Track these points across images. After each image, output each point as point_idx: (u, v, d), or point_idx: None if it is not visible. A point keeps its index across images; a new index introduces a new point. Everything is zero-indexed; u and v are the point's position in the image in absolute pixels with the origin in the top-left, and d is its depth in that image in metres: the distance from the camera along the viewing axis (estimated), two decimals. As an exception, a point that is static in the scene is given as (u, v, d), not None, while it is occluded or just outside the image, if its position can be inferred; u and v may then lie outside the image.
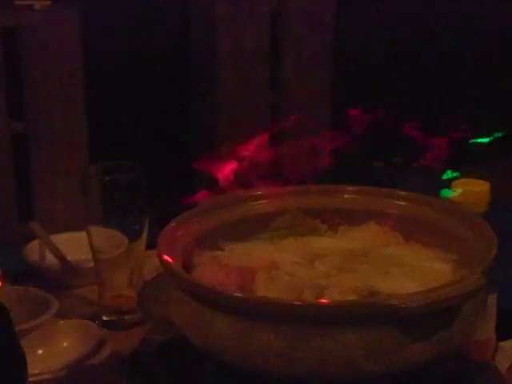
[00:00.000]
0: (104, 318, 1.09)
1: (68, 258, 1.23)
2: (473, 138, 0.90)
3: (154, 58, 3.13)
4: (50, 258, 1.25)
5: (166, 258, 0.80)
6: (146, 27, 3.08)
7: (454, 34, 3.50)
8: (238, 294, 0.77)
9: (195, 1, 3.10)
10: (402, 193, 0.93)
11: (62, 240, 1.27)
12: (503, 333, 0.97)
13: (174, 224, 0.87)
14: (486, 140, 0.91)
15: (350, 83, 3.20)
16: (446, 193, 0.89)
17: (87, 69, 2.67)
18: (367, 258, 0.87)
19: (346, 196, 0.96)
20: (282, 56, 3.11)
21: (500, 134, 0.92)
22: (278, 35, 3.08)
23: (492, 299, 0.91)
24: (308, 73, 3.10)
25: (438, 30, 3.50)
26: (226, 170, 0.89)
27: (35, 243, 1.27)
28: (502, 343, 0.97)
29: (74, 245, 1.24)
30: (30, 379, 0.79)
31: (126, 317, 1.09)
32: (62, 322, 1.04)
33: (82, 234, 1.11)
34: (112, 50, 3.03)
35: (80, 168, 2.52)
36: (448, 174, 0.89)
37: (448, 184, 0.94)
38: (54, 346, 1.00)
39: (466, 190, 0.91)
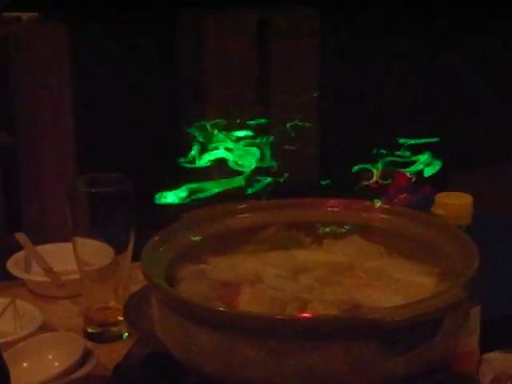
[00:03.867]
0: (89, 330, 1.09)
1: (54, 270, 1.23)
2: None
3: (141, 70, 3.13)
4: (35, 269, 1.25)
5: (150, 272, 0.80)
6: (133, 37, 3.09)
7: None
8: (222, 309, 0.78)
9: (183, 10, 3.11)
10: (386, 206, 0.94)
11: (48, 251, 1.27)
12: (487, 345, 0.97)
13: (157, 237, 0.87)
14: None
15: (338, 92, 3.21)
16: None
17: (75, 79, 2.67)
18: (351, 272, 0.87)
19: (330, 209, 0.96)
20: (271, 66, 3.11)
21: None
22: (266, 45, 3.09)
23: (475, 312, 0.92)
24: (296, 83, 3.11)
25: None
26: None
27: (21, 254, 1.27)
28: (485, 355, 0.97)
29: (60, 256, 1.24)
30: (14, 393, 0.79)
31: (112, 329, 1.09)
32: (47, 334, 1.04)
33: (68, 246, 1.11)
34: (100, 61, 3.03)
35: (67, 180, 2.52)
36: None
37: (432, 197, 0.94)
38: (38, 359, 0.99)
39: (448, 204, 0.92)
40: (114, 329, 1.09)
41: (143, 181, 1.02)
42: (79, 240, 1.08)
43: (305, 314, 0.78)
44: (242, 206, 0.95)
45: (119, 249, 1.07)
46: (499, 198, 2.60)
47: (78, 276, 1.12)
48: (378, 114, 3.32)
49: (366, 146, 1.01)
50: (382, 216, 0.93)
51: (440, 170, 0.94)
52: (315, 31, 3.15)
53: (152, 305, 0.83)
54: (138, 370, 0.91)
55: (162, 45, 3.15)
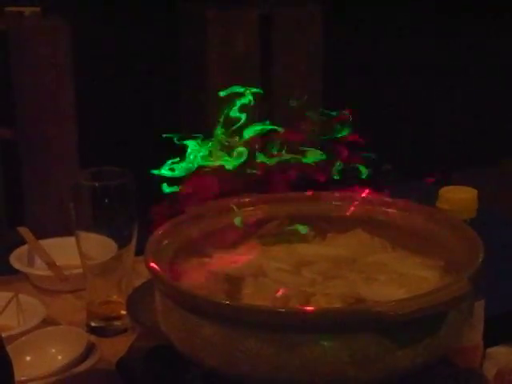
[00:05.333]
0: (92, 324, 1.09)
1: (57, 264, 1.23)
2: None
3: (143, 65, 3.13)
4: (38, 263, 1.25)
5: (153, 265, 0.80)
6: (134, 33, 3.08)
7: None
8: (225, 302, 0.77)
9: (184, 5, 3.10)
10: (389, 200, 0.94)
11: (51, 245, 1.27)
12: (491, 339, 0.97)
13: (161, 231, 0.87)
14: None
15: (341, 86, 3.21)
16: None
17: (77, 75, 2.67)
18: (354, 265, 0.87)
19: (333, 203, 0.96)
20: (272, 62, 3.11)
21: None
22: (268, 40, 3.09)
23: (479, 306, 0.92)
24: (298, 78, 3.11)
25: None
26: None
27: (24, 248, 1.27)
28: (489, 350, 0.97)
29: (62, 250, 1.24)
30: (18, 386, 0.79)
31: (115, 323, 1.09)
32: (50, 328, 1.04)
33: (71, 240, 1.11)
34: (102, 56, 3.03)
35: (69, 174, 2.52)
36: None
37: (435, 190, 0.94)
38: (42, 353, 0.99)
39: (453, 197, 0.92)
40: (117, 323, 1.09)
41: (145, 175, 1.02)
42: (82, 234, 1.08)
43: (308, 308, 0.78)
44: (245, 200, 0.95)
45: (122, 243, 1.07)
46: (503, 192, 2.60)
47: (80, 270, 1.12)
48: (378, 111, 3.31)
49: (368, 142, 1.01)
50: (386, 209, 0.93)
51: (445, 165, 0.94)
52: (317, 27, 3.14)
53: (155, 298, 0.83)
54: (142, 364, 0.91)
55: (164, 39, 3.14)
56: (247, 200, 0.95)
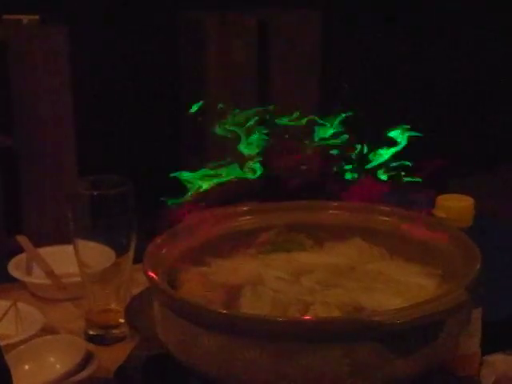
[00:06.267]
0: (91, 333, 1.09)
1: (55, 272, 1.23)
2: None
3: (142, 73, 3.13)
4: (37, 271, 1.25)
5: (152, 274, 0.80)
6: (133, 42, 3.09)
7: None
8: (224, 311, 0.78)
9: (183, 14, 3.11)
10: (387, 208, 0.94)
11: (50, 253, 1.27)
12: (488, 347, 0.97)
13: (159, 240, 0.87)
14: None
15: (340, 91, 3.21)
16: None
17: (76, 83, 2.67)
18: (352, 274, 0.88)
19: (331, 211, 0.96)
20: (271, 67, 3.11)
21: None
22: (267, 46, 3.09)
23: (476, 313, 0.92)
24: (297, 84, 3.11)
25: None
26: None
27: (22, 257, 1.27)
28: (486, 357, 0.97)
29: (61, 258, 1.24)
30: (16, 395, 0.79)
31: (113, 331, 1.09)
32: (48, 336, 1.04)
33: (70, 248, 1.11)
34: (101, 64, 3.03)
35: (68, 182, 2.52)
36: None
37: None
38: (40, 362, 0.99)
39: (449, 206, 0.92)
40: (116, 331, 1.09)
41: (144, 183, 1.02)
42: (80, 242, 1.08)
43: (306, 317, 0.78)
44: (243, 209, 0.95)
45: (120, 251, 1.07)
46: (499, 200, 2.60)
47: (79, 278, 1.12)
48: (377, 115, 3.32)
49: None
50: (384, 218, 0.94)
51: (441, 173, 0.94)
52: (316, 32, 3.15)
53: (154, 307, 0.83)
54: (140, 373, 0.91)
55: (163, 46, 3.15)
56: (245, 209, 0.95)
